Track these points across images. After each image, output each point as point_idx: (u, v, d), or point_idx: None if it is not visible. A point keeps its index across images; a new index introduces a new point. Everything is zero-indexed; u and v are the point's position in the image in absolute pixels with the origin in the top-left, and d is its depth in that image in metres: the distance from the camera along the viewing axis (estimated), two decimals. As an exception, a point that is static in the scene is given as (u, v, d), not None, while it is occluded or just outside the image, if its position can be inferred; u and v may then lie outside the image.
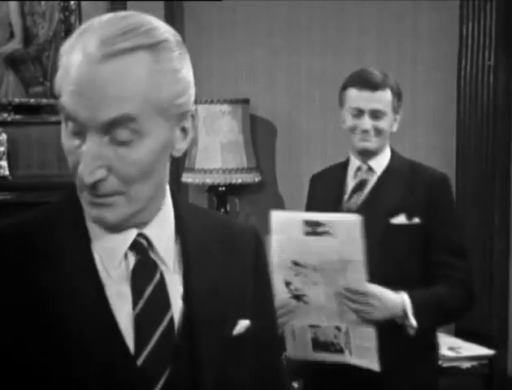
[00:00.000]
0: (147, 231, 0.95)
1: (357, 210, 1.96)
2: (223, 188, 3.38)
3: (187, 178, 3.37)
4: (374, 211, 1.96)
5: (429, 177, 2.03)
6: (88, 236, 0.93)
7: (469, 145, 3.10)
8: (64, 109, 0.85)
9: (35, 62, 3.29)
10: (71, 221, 0.93)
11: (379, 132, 2.01)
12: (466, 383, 2.75)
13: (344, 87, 2.08)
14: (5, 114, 3.29)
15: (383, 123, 2.01)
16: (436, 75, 3.25)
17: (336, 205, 2.03)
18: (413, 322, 1.86)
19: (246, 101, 3.40)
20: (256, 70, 3.53)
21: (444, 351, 2.75)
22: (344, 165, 2.15)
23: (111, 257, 0.93)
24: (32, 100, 3.29)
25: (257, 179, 3.38)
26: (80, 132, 0.85)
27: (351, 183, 2.07)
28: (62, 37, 3.25)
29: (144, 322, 0.91)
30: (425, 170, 2.08)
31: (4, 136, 3.24)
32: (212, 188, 3.42)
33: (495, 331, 2.99)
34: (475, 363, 2.74)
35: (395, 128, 2.09)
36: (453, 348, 2.80)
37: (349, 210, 2.01)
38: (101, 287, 0.91)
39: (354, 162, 2.10)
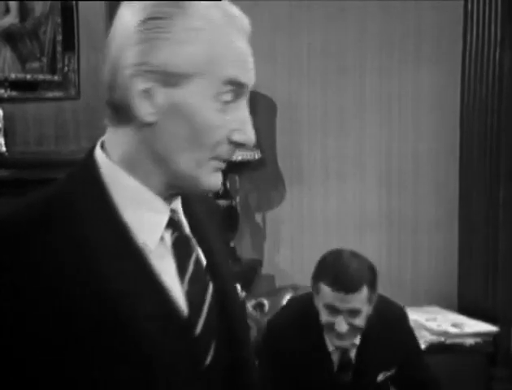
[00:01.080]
0: (175, 205, 0.94)
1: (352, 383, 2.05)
2: (223, 166, 3.34)
3: (186, 155, 3.33)
4: (363, 375, 2.04)
5: (398, 334, 2.08)
6: (120, 212, 0.89)
7: (473, 122, 3.06)
8: (232, 78, 0.91)
9: (32, 37, 3.23)
10: (97, 199, 0.89)
11: (354, 329, 1.96)
12: (470, 359, 2.73)
13: (318, 279, 1.99)
14: (1, 91, 3.24)
15: (358, 321, 1.96)
16: (441, 52, 3.21)
17: (325, 377, 2.04)
18: None
19: (246, 78, 3.35)
20: (256, 46, 3.47)
21: (447, 327, 2.73)
22: (315, 324, 2.01)
23: (151, 232, 0.90)
24: (28, 76, 3.24)
25: (257, 157, 3.34)
26: (237, 96, 0.92)
27: (334, 356, 2.05)
28: (58, 12, 3.19)
29: (193, 298, 0.91)
30: (387, 310, 2.09)
31: (0, 113, 3.19)
32: (212, 166, 3.37)
33: (499, 309, 2.98)
34: (478, 340, 2.72)
35: (370, 312, 2.00)
36: (457, 324, 2.78)
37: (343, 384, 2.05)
38: (150, 264, 0.88)
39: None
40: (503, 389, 2.91)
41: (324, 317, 1.97)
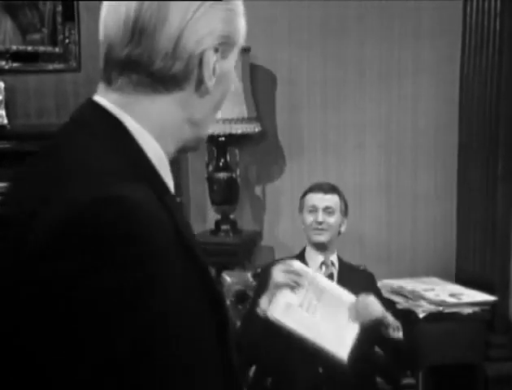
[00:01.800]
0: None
1: None
2: (223, 139, 3.35)
3: (187, 128, 3.34)
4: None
5: (366, 276, 2.64)
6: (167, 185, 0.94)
7: (472, 95, 3.07)
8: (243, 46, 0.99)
9: (32, 8, 3.23)
10: (154, 174, 0.91)
11: (329, 225, 2.57)
12: (468, 327, 2.78)
13: (304, 195, 2.68)
14: (2, 62, 3.24)
15: (332, 219, 2.58)
16: (441, 25, 3.21)
17: None
18: (398, 323, 2.33)
19: (247, 50, 3.34)
20: (256, 18, 3.47)
21: (445, 297, 2.77)
22: (300, 259, 2.52)
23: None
24: (29, 47, 3.24)
25: (257, 130, 3.35)
26: None
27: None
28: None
29: None
30: (359, 270, 2.70)
31: (1, 85, 3.19)
32: (212, 139, 3.38)
33: (496, 278, 3.02)
34: (476, 309, 2.76)
35: (343, 229, 2.65)
36: (455, 294, 2.82)
37: None
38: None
39: (317, 257, 2.59)
40: (501, 355, 2.96)
41: (308, 219, 2.61)
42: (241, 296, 2.80)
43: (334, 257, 2.61)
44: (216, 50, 0.91)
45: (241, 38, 0.95)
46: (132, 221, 0.77)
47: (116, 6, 0.90)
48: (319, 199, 2.61)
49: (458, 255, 3.20)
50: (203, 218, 3.62)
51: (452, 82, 3.18)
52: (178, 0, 0.88)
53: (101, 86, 0.93)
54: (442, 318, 2.74)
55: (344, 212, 2.65)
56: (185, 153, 1.00)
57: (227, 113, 3.24)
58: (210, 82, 0.91)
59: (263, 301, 2.30)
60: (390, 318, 2.33)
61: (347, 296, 2.33)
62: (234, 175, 3.40)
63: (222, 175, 3.39)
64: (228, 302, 2.85)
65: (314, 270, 2.50)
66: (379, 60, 3.32)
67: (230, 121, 3.25)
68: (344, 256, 2.80)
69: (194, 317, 0.85)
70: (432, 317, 2.74)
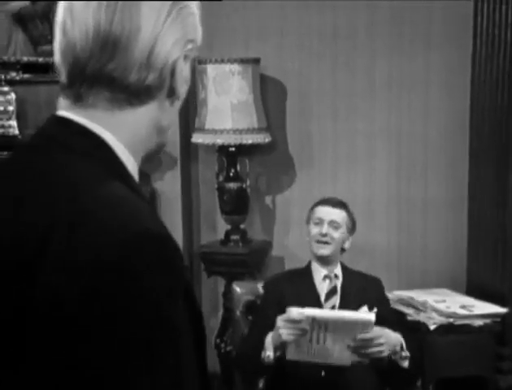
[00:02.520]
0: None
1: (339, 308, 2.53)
2: (234, 149, 3.36)
3: (197, 138, 3.35)
4: (348, 308, 2.48)
5: (374, 282, 2.63)
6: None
7: (483, 103, 3.05)
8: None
9: (43, 19, 3.25)
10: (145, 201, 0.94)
11: (332, 239, 2.57)
12: (478, 340, 2.75)
13: (312, 207, 2.69)
14: (13, 73, 3.26)
15: (336, 234, 2.58)
16: (451, 33, 3.19)
17: (314, 305, 2.46)
18: (407, 352, 2.34)
19: (257, 61, 3.35)
20: (266, 28, 3.48)
21: (456, 309, 2.75)
22: (305, 272, 2.63)
23: None
24: (40, 59, 3.26)
25: (267, 140, 3.36)
26: None
27: (322, 287, 2.58)
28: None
29: None
30: (366, 275, 2.67)
31: (13, 96, 3.21)
32: (222, 149, 3.39)
33: (507, 290, 2.99)
34: (487, 321, 2.73)
35: (347, 246, 2.64)
36: (465, 306, 2.79)
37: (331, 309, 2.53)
38: None
39: (321, 270, 2.60)
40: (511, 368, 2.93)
41: (313, 231, 2.61)
42: (251, 307, 2.80)
43: (338, 270, 2.62)
44: (185, 57, 0.90)
45: (200, 38, 0.93)
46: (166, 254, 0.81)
47: (80, 17, 0.86)
48: (326, 212, 2.62)
49: (469, 266, 3.17)
50: (213, 227, 3.62)
51: (462, 91, 3.16)
52: (149, 8, 0.85)
53: (65, 102, 0.90)
54: (453, 330, 2.72)
55: (351, 229, 2.65)
56: (147, 162, 0.96)
57: (238, 123, 3.25)
58: (182, 89, 0.91)
59: (269, 347, 2.33)
60: (399, 348, 2.34)
61: (352, 316, 2.33)
62: (244, 185, 3.41)
63: (232, 185, 3.40)
64: (238, 313, 2.84)
65: (319, 284, 2.57)
66: (389, 69, 3.31)
67: (240, 131, 3.26)
68: (354, 266, 2.79)
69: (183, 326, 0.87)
70: (443, 329, 2.72)
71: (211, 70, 3.26)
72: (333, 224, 2.59)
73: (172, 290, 0.79)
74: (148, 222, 0.80)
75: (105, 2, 0.84)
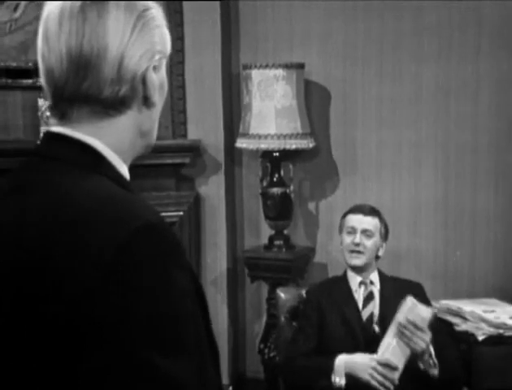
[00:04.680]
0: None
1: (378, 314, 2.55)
2: (277, 154, 3.36)
3: (241, 143, 3.36)
4: (386, 313, 2.49)
5: (414, 287, 2.59)
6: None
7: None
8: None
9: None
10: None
11: (366, 248, 2.57)
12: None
13: (344, 216, 2.70)
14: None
15: (370, 242, 2.58)
16: (502, 40, 3.15)
17: (353, 312, 2.55)
18: (435, 360, 2.35)
19: (301, 66, 3.35)
20: (311, 33, 3.48)
21: (505, 320, 2.71)
22: (342, 280, 2.66)
23: None
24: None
25: (311, 145, 3.35)
26: None
27: (359, 294, 2.60)
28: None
29: None
30: (405, 281, 2.67)
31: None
32: (266, 154, 3.40)
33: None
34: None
35: (381, 253, 2.64)
36: (516, 317, 2.75)
37: (370, 316, 2.55)
38: None
39: (356, 278, 2.61)
40: None
41: (346, 240, 2.62)
42: (295, 313, 2.80)
43: (374, 276, 2.63)
44: (155, 68, 0.97)
45: (169, 47, 1.02)
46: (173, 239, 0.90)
47: (54, 46, 0.93)
48: (358, 221, 2.61)
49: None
50: (257, 233, 3.63)
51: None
52: (114, 26, 0.93)
53: (53, 120, 0.98)
54: (502, 341, 2.68)
55: (384, 236, 2.64)
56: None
57: (282, 128, 3.25)
58: (155, 96, 0.98)
59: (341, 373, 2.37)
60: (431, 352, 2.35)
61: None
62: (288, 191, 3.41)
63: (276, 190, 3.40)
64: (283, 319, 2.85)
65: (355, 290, 2.59)
66: (436, 76, 3.27)
67: (284, 136, 3.26)
68: (399, 274, 2.77)
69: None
70: (492, 340, 2.68)
71: (256, 75, 3.27)
72: (366, 233, 2.59)
73: (184, 266, 0.89)
74: (146, 213, 0.88)
75: (74, 26, 0.92)
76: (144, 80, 0.95)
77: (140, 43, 0.94)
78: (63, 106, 0.95)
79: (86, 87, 0.92)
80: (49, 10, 0.95)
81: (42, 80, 0.97)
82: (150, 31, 0.96)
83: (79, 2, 0.92)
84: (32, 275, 0.84)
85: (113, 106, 0.94)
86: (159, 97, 1.00)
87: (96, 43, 0.91)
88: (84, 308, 0.81)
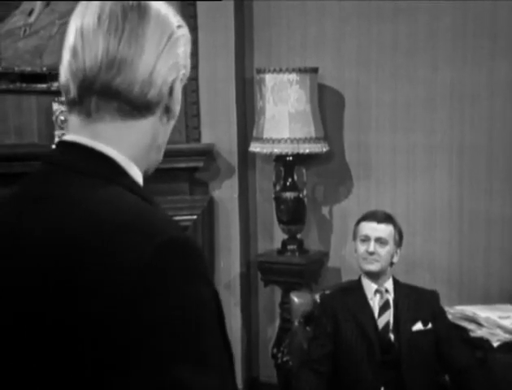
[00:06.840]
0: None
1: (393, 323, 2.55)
2: (291, 158, 3.36)
3: (255, 147, 3.36)
4: (401, 322, 2.54)
5: (429, 295, 2.62)
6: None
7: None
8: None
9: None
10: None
11: (380, 256, 2.55)
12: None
13: (357, 223, 2.67)
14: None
15: (384, 250, 2.56)
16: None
17: (369, 320, 2.55)
18: None
19: (315, 70, 3.35)
20: (325, 38, 3.47)
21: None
22: (357, 287, 2.64)
23: None
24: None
25: (324, 150, 3.35)
26: None
27: (374, 302, 2.59)
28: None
29: None
30: (420, 289, 2.66)
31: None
32: (280, 158, 3.40)
33: None
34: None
35: (395, 259, 2.61)
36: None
37: (386, 325, 2.55)
38: None
39: (371, 286, 2.60)
40: None
41: (360, 248, 2.60)
42: (309, 318, 2.79)
43: (389, 284, 2.61)
44: (181, 81, 1.01)
45: (189, 68, 1.04)
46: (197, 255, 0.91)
47: (91, 41, 0.94)
48: (372, 229, 2.59)
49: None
50: (270, 237, 3.63)
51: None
52: (152, 35, 0.96)
53: (74, 123, 0.97)
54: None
55: (398, 242, 2.62)
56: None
57: (295, 132, 3.25)
58: (176, 108, 1.01)
59: None
60: None
61: None
62: (301, 195, 3.40)
63: (289, 194, 3.40)
64: (296, 323, 2.84)
65: (371, 299, 2.58)
66: (451, 80, 3.25)
67: (298, 140, 3.26)
68: (414, 281, 2.76)
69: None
70: (508, 346, 2.66)
71: (269, 79, 3.27)
72: (380, 241, 2.57)
73: (209, 282, 0.90)
74: (169, 228, 0.89)
75: (114, 23, 0.94)
76: (171, 89, 0.98)
77: (172, 54, 0.97)
78: (90, 100, 0.94)
79: (118, 82, 0.93)
80: (85, 6, 0.96)
81: (65, 76, 0.96)
82: (178, 47, 0.99)
83: (120, 2, 0.95)
84: (58, 293, 0.85)
85: (138, 107, 0.95)
86: (177, 111, 1.02)
87: (135, 42, 0.94)
88: (112, 324, 0.82)
